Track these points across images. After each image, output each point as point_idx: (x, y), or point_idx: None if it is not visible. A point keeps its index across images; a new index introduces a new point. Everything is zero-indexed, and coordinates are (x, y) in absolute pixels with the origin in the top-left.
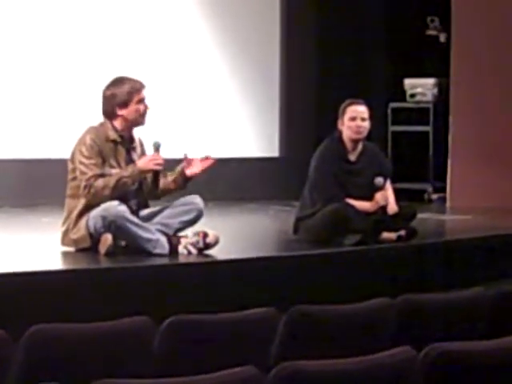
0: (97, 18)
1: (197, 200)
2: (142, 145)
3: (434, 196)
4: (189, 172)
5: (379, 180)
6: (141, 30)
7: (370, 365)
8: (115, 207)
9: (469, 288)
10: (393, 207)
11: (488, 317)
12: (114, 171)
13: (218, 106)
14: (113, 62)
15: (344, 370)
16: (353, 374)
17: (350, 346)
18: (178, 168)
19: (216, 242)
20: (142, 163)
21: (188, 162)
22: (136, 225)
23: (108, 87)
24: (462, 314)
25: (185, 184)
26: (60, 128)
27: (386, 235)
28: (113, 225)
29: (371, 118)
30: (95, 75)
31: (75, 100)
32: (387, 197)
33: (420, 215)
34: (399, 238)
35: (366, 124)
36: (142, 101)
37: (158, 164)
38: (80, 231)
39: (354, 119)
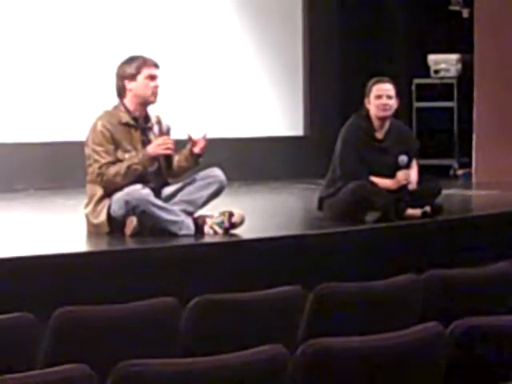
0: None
1: (217, 172)
2: (159, 122)
3: (460, 172)
4: (196, 150)
5: (403, 159)
6: (162, 8)
7: (397, 341)
8: (138, 191)
9: (496, 263)
10: (413, 186)
11: None
12: (127, 156)
13: (242, 86)
14: (133, 43)
15: (370, 347)
16: (380, 350)
17: (377, 322)
18: (187, 147)
19: (242, 222)
20: (151, 149)
21: (193, 142)
22: (160, 208)
23: (120, 65)
24: (489, 289)
25: (197, 161)
26: (84, 110)
27: (410, 212)
28: (136, 209)
29: (397, 95)
30: (117, 57)
31: (100, 82)
32: (409, 175)
33: (446, 191)
34: (425, 214)
35: (393, 102)
36: (152, 77)
37: (167, 148)
38: (100, 217)
39: (380, 97)
